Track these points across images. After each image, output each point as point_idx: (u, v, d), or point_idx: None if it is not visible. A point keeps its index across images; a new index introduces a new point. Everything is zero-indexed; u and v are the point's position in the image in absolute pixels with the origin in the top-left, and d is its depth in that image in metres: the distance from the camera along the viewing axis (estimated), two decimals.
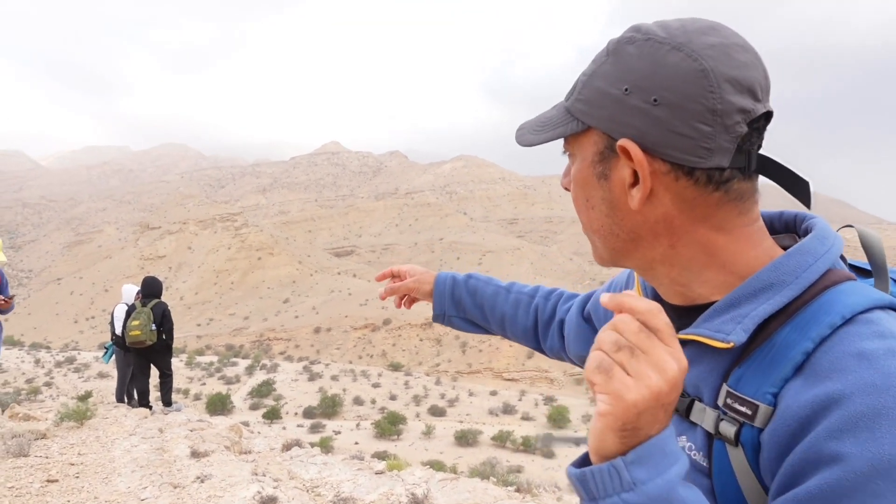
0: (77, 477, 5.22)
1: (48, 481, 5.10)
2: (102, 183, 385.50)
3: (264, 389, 65.32)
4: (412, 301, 1.45)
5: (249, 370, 79.81)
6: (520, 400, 70.41)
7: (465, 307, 1.38)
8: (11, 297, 6.08)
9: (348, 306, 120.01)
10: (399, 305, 1.46)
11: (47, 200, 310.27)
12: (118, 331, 9.33)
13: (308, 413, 56.67)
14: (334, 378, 75.44)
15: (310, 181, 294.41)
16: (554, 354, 1.31)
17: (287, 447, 6.12)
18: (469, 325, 1.40)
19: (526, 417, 59.86)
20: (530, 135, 0.80)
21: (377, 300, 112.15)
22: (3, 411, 8.11)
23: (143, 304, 8.37)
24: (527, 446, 44.45)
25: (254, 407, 59.23)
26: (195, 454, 5.45)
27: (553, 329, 1.29)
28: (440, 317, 1.41)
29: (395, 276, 1.45)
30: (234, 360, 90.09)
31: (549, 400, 70.14)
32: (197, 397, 59.87)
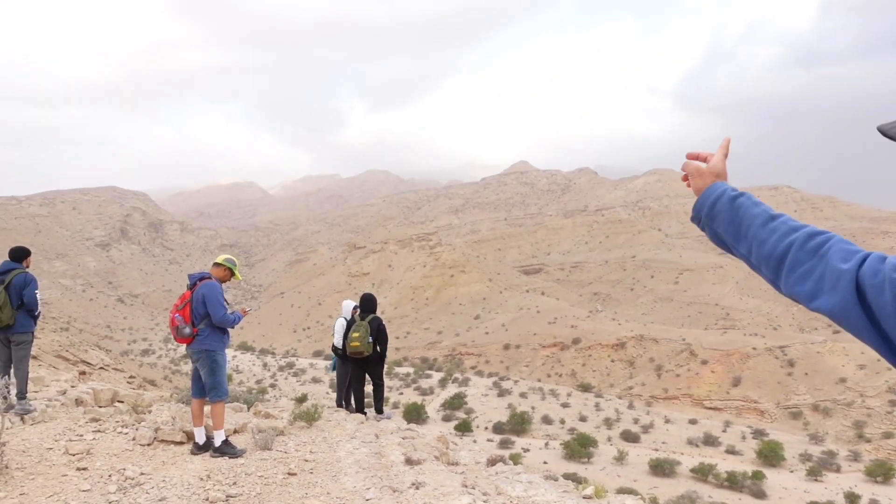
0: (311, 472, 5.87)
1: (289, 474, 5.81)
2: (317, 207, 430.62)
3: (456, 402, 67.65)
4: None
5: (442, 383, 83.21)
6: (724, 431, 64.69)
7: (720, 221, 1.43)
8: (248, 309, 7.07)
9: (537, 324, 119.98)
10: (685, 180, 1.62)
11: (274, 224, 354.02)
12: (337, 342, 10.33)
13: (497, 428, 57.49)
14: (523, 395, 75.68)
15: (499, 201, 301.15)
16: (794, 297, 1.27)
17: (492, 462, 6.31)
18: (718, 239, 1.47)
19: (731, 451, 54.80)
20: None
21: (566, 319, 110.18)
22: (248, 409, 9.40)
23: (362, 319, 9.19)
24: (732, 482, 40.65)
25: (446, 419, 61.59)
26: (409, 461, 5.85)
27: (809, 275, 1.21)
28: (696, 219, 1.53)
29: (701, 158, 1.60)
30: (429, 372, 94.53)
31: (758, 433, 63.53)
32: (395, 406, 63.85)
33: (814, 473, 46.31)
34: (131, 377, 24.28)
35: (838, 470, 50.30)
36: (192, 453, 6.32)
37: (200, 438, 6.41)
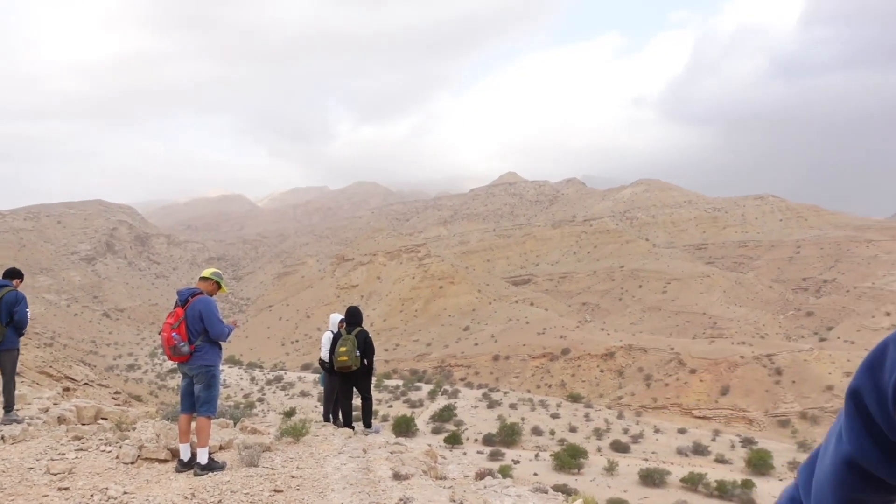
0: (298, 489, 5.81)
1: (275, 491, 5.74)
2: (305, 220, 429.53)
3: (446, 414, 67.38)
4: None
5: (432, 395, 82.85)
6: (713, 440, 64.85)
7: None
8: (236, 321, 7.03)
9: (526, 335, 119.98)
10: None
11: (262, 237, 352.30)
12: (324, 356, 10.26)
13: (487, 440, 57.27)
14: (513, 406, 75.50)
15: (488, 212, 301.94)
16: None
17: (480, 476, 6.27)
18: None
19: (720, 460, 54.91)
20: None
21: (555, 329, 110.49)
22: (235, 424, 9.30)
23: (348, 332, 9.14)
24: (722, 491, 40.72)
25: (436, 431, 61.28)
26: (397, 476, 5.81)
27: None
28: None
29: None
30: (418, 384, 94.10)
31: (747, 442, 63.72)
32: (384, 419, 63.45)
33: None
34: (116, 393, 23.97)
35: None
36: (177, 471, 6.23)
37: (185, 455, 6.32)
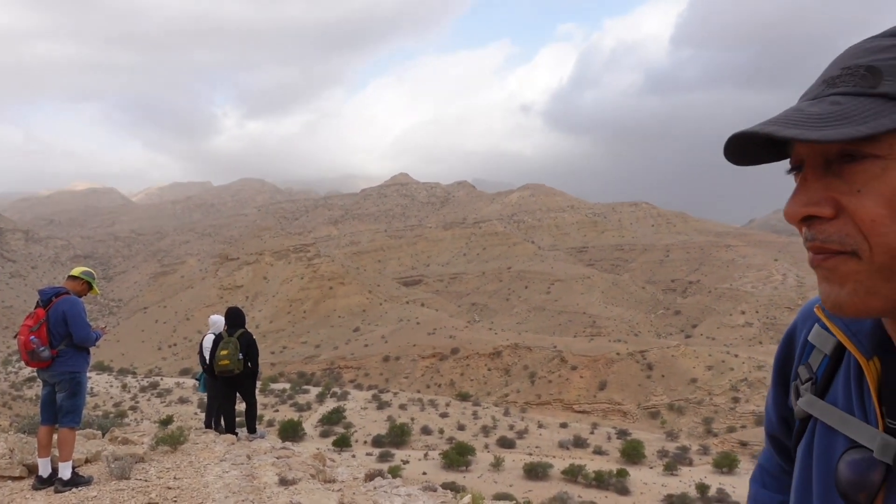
0: (175, 501, 5.46)
1: None
2: (186, 217, 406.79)
3: (335, 417, 66.36)
4: None
5: (320, 398, 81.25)
6: (591, 433, 68.47)
7: None
8: (104, 327, 6.51)
9: (416, 335, 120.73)
10: None
11: (136, 234, 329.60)
12: (207, 360, 9.75)
13: (377, 442, 57.05)
14: (402, 407, 75.68)
15: (379, 212, 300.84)
16: None
17: (370, 477, 6.21)
18: None
19: (598, 451, 58.08)
20: (820, 130, 0.66)
21: (445, 329, 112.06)
22: (103, 435, 8.60)
23: (230, 334, 8.72)
24: (599, 481, 43.08)
25: (324, 434, 60.17)
26: (283, 482, 5.62)
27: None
28: None
29: None
30: (306, 387, 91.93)
31: (622, 434, 67.87)
32: (270, 423, 61.40)
33: (670, 468, 50.15)
34: None
35: (691, 464, 54.83)
36: (34, 488, 5.66)
37: (45, 471, 5.76)
